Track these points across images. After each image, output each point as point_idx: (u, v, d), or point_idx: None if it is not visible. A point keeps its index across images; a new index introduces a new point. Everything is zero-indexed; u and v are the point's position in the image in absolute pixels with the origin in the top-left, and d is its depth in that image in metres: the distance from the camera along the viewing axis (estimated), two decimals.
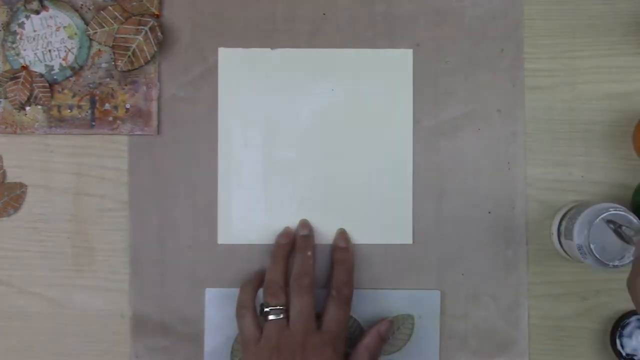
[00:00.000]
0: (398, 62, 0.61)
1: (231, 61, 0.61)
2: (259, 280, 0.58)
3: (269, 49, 0.61)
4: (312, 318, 0.55)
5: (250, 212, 0.61)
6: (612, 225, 0.53)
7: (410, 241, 0.60)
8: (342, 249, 0.59)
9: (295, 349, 0.53)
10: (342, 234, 0.60)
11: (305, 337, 0.53)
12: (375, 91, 0.61)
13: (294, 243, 0.59)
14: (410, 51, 0.61)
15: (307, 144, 0.61)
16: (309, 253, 0.58)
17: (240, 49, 0.61)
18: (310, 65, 0.61)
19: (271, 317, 0.55)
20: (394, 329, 0.60)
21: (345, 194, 0.61)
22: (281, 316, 0.54)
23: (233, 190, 0.61)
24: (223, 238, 0.60)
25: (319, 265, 0.60)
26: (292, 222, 0.61)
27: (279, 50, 0.61)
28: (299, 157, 0.61)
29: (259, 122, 0.61)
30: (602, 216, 0.53)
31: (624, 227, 0.53)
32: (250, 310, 0.56)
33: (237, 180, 0.61)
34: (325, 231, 0.61)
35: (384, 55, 0.61)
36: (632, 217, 0.54)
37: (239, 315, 0.57)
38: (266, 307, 0.55)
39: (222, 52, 0.61)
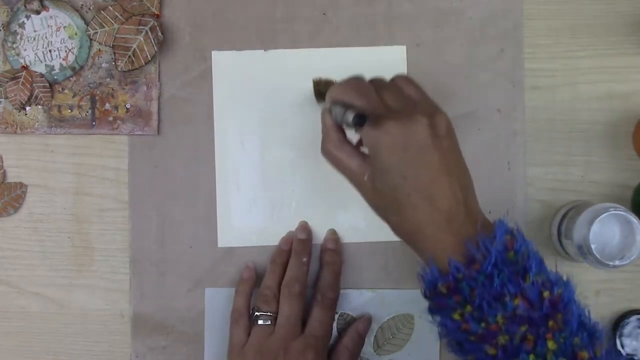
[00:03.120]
0: (392, 59, 0.61)
1: (225, 64, 0.61)
2: (253, 280, 0.59)
3: (262, 51, 0.61)
4: (298, 324, 0.55)
5: (249, 214, 0.61)
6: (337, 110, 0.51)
7: None
8: (331, 251, 0.59)
9: (277, 353, 0.54)
10: (332, 236, 0.60)
11: (288, 342, 0.54)
12: None
13: None
14: (403, 47, 0.61)
15: (304, 144, 0.61)
16: (304, 259, 0.58)
17: (233, 52, 0.61)
18: (304, 66, 0.61)
19: (260, 322, 0.55)
20: (393, 329, 0.60)
21: (343, 193, 0.61)
22: (269, 322, 0.55)
23: (232, 193, 0.61)
24: (223, 241, 0.60)
25: (315, 266, 0.60)
26: (291, 223, 0.60)
27: (272, 52, 0.61)
28: (296, 157, 0.61)
29: (255, 124, 0.61)
30: (604, 215, 0.53)
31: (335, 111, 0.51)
32: (244, 317, 0.57)
33: (236, 183, 0.61)
34: (324, 231, 0.60)
35: (378, 52, 0.61)
36: (633, 217, 0.54)
37: (233, 319, 0.57)
38: (257, 312, 0.56)
39: (216, 55, 0.61)
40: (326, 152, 0.51)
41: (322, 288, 0.57)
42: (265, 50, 0.61)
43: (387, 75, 0.60)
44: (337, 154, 0.51)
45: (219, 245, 0.60)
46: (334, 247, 0.59)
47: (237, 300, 0.58)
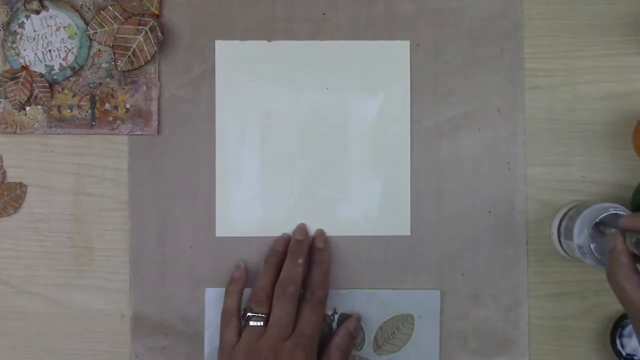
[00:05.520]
0: (395, 54, 0.61)
1: (228, 54, 0.61)
2: (244, 280, 0.59)
3: (265, 42, 0.61)
4: (290, 325, 0.55)
5: (247, 205, 0.61)
6: (602, 228, 0.54)
7: (408, 232, 0.60)
8: (320, 250, 0.59)
9: (267, 354, 0.54)
10: (321, 235, 0.60)
11: (279, 342, 0.54)
12: (372, 83, 0.61)
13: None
14: (407, 43, 0.61)
15: (304, 137, 0.61)
16: (300, 260, 0.58)
17: (237, 42, 0.61)
18: (307, 58, 0.61)
19: (251, 323, 0.55)
20: (393, 329, 0.60)
21: (343, 186, 0.61)
22: (260, 323, 0.55)
23: (231, 184, 0.61)
24: (221, 231, 0.60)
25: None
26: (290, 216, 0.61)
27: (276, 43, 0.61)
28: (296, 150, 0.61)
29: (256, 115, 0.61)
30: (604, 215, 0.54)
31: (601, 227, 0.53)
32: (235, 317, 0.57)
33: (235, 173, 0.61)
34: (322, 225, 0.61)
35: (381, 47, 0.61)
36: None
37: (224, 321, 0.57)
38: (249, 312, 0.56)
39: (219, 45, 0.61)
40: (612, 278, 0.50)
41: (312, 287, 0.57)
42: (269, 41, 0.61)
43: (390, 70, 0.60)
44: (624, 283, 0.48)
45: (217, 234, 0.60)
46: (323, 246, 0.59)
47: (227, 301, 0.58)
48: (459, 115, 0.61)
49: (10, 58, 0.60)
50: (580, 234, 0.55)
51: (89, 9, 0.61)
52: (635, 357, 0.59)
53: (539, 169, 0.61)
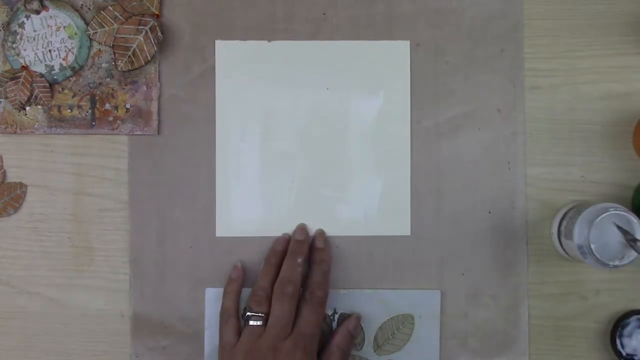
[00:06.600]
0: (395, 54, 0.61)
1: (228, 54, 0.61)
2: (241, 280, 0.59)
3: (265, 42, 0.61)
4: (289, 324, 0.55)
5: (247, 205, 0.61)
6: (622, 233, 0.53)
7: (408, 232, 0.60)
8: (320, 250, 0.59)
9: (266, 353, 0.54)
10: (321, 235, 0.60)
11: (278, 342, 0.54)
12: (372, 83, 0.61)
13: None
14: (407, 43, 0.61)
15: (304, 137, 0.61)
16: (299, 260, 0.58)
17: (237, 42, 0.61)
18: (307, 58, 0.61)
19: (251, 322, 0.56)
20: (393, 329, 0.60)
21: (342, 185, 0.61)
22: (259, 323, 0.55)
23: (231, 183, 0.61)
24: (221, 231, 0.61)
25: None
26: (289, 215, 0.61)
27: (276, 43, 0.61)
28: (296, 149, 0.61)
29: (256, 115, 0.61)
30: (604, 215, 0.54)
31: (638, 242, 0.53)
32: (234, 317, 0.57)
33: (235, 173, 0.61)
34: (322, 225, 0.61)
35: (381, 47, 0.61)
36: (633, 217, 0.54)
37: (223, 320, 0.57)
38: (249, 312, 0.56)
39: (219, 45, 0.61)
40: None
41: (311, 286, 0.57)
42: (269, 41, 0.61)
43: (391, 70, 0.60)
44: None
45: (217, 234, 0.60)
46: (323, 246, 0.60)
47: (225, 301, 0.58)
48: (459, 115, 0.61)
49: (11, 58, 0.60)
50: (580, 234, 0.55)
51: (89, 9, 0.61)
52: (635, 357, 0.59)
53: (539, 169, 0.61)
